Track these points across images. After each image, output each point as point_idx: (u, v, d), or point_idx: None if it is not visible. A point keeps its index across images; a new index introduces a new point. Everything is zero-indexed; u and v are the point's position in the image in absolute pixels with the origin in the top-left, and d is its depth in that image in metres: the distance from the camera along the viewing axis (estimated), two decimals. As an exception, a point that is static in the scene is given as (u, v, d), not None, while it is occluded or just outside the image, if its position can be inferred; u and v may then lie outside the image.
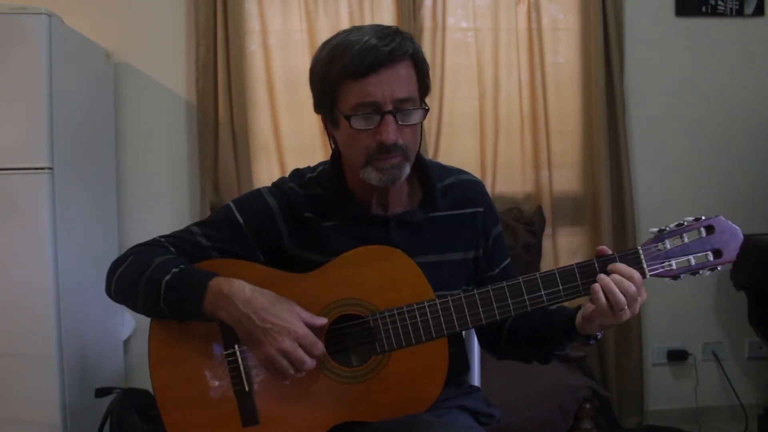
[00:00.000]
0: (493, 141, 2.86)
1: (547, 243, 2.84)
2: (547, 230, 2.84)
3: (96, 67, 2.59)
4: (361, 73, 1.13)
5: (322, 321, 1.17)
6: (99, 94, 2.62)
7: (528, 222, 2.78)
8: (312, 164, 1.36)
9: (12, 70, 2.11)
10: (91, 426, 2.23)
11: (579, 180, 2.93)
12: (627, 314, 1.13)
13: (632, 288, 1.12)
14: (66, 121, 2.24)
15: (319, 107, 1.24)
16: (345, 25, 2.79)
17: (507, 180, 2.88)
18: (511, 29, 2.85)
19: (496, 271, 1.36)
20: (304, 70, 2.74)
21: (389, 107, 1.14)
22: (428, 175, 1.29)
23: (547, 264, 2.83)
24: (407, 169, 1.20)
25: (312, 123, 2.80)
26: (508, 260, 1.39)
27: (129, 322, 2.71)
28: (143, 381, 2.57)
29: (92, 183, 2.52)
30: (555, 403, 2.11)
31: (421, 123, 1.22)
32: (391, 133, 1.14)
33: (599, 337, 1.22)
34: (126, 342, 2.74)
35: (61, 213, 2.17)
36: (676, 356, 2.98)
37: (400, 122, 1.16)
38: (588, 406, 2.17)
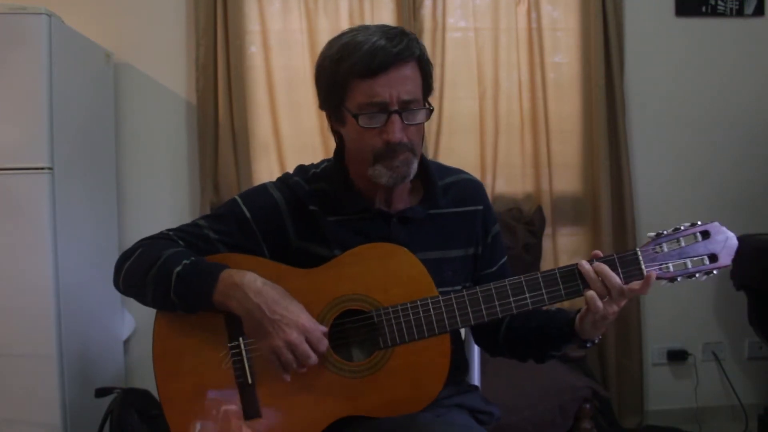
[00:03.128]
0: (493, 141, 2.86)
1: (547, 243, 2.84)
2: (547, 230, 2.84)
3: (96, 67, 2.59)
4: (371, 72, 1.16)
5: (323, 329, 1.18)
6: (99, 94, 2.62)
7: (528, 222, 2.78)
8: (314, 162, 1.38)
9: (12, 70, 2.11)
10: (91, 426, 2.23)
11: (579, 180, 2.93)
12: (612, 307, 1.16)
13: (615, 279, 1.15)
14: (66, 121, 2.24)
15: (325, 104, 1.26)
16: (345, 25, 2.79)
17: (507, 180, 2.88)
18: (511, 29, 2.85)
19: (494, 268, 1.38)
20: (304, 70, 2.79)
21: (395, 107, 1.18)
22: (429, 173, 1.32)
23: (547, 264, 2.83)
24: (415, 166, 1.23)
25: (312, 123, 2.80)
26: (506, 258, 1.42)
27: (129, 322, 2.71)
28: (143, 381, 2.57)
29: (92, 183, 2.52)
30: (555, 403, 2.12)
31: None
32: (397, 132, 1.17)
33: (596, 341, 1.25)
34: (126, 342, 2.74)
35: (61, 213, 2.17)
36: (676, 356, 2.98)
37: (405, 122, 1.19)
38: (588, 406, 2.17)
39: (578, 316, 1.23)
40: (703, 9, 2.94)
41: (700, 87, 2.97)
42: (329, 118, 1.28)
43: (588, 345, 1.25)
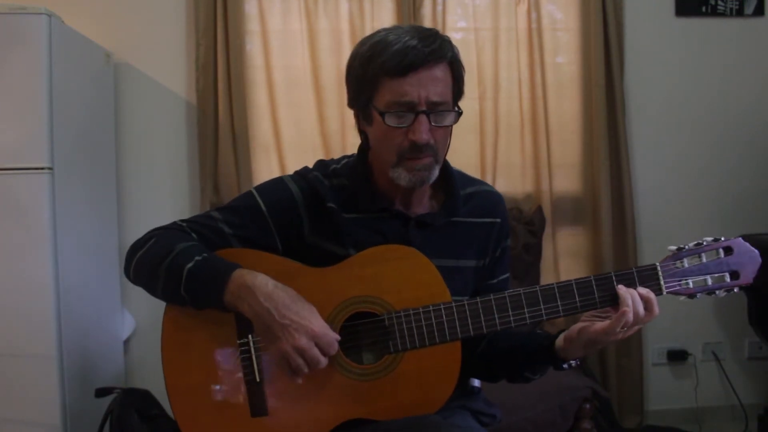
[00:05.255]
0: (493, 141, 2.86)
1: (547, 243, 2.84)
2: (547, 230, 2.83)
3: (96, 67, 2.59)
4: (401, 71, 1.14)
5: (335, 336, 1.16)
6: (99, 94, 2.62)
7: (528, 222, 2.78)
8: (312, 163, 1.36)
9: (12, 70, 2.11)
10: (91, 426, 2.23)
11: (579, 180, 2.93)
12: (620, 335, 1.17)
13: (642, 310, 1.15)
14: (66, 121, 2.24)
15: (353, 102, 1.25)
16: (345, 25, 2.79)
17: (507, 180, 2.88)
18: (511, 29, 2.85)
19: (495, 281, 1.37)
20: (304, 71, 2.79)
21: (423, 107, 1.16)
22: (452, 180, 1.31)
23: (546, 264, 2.84)
24: (436, 171, 1.23)
25: (312, 123, 2.80)
26: (509, 275, 1.40)
27: (129, 322, 2.71)
28: (143, 381, 2.57)
29: (92, 183, 2.51)
30: (555, 403, 2.12)
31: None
32: (423, 132, 1.16)
33: (574, 364, 1.23)
34: (126, 342, 2.73)
35: (61, 213, 2.17)
36: (676, 356, 2.98)
37: (433, 123, 1.17)
38: (588, 406, 2.17)
39: (564, 335, 1.21)
40: (703, 9, 2.94)
41: (700, 87, 2.97)
42: (356, 116, 1.27)
43: (564, 366, 1.23)
